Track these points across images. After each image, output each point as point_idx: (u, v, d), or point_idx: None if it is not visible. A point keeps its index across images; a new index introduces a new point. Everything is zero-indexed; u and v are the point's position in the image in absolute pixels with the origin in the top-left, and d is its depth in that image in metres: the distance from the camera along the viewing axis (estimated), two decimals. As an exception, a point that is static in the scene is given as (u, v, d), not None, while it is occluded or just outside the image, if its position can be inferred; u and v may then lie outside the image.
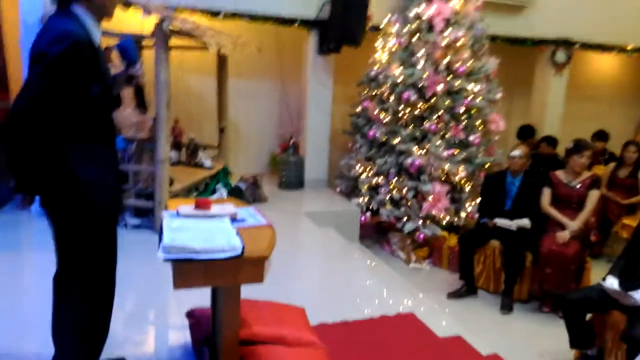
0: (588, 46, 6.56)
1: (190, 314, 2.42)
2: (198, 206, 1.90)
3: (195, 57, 5.62)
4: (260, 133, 6.44)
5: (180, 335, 2.62)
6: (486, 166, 5.13)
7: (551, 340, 3.46)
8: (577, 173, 4.05)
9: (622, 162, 5.24)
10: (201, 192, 4.92)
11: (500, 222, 4.14)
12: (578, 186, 4.02)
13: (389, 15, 5.26)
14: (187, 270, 1.54)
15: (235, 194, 5.08)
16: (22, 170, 1.73)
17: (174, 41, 4.11)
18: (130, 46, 2.04)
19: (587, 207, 3.98)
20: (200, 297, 2.31)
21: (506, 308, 3.97)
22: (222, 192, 5.01)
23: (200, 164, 5.24)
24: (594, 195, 4.00)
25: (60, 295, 1.91)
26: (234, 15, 5.17)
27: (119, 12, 2.26)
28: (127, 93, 4.03)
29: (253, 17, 5.26)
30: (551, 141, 5.85)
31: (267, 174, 6.18)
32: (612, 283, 3.01)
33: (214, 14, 5.08)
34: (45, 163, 1.73)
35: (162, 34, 3.70)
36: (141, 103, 2.07)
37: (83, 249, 1.86)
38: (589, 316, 3.17)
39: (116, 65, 2.01)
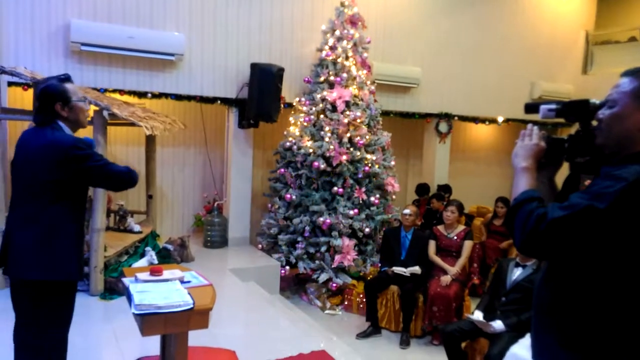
0: (465, 118, 7.79)
1: (140, 363, 2.88)
2: (153, 272, 2.44)
3: (125, 129, 6.08)
4: (185, 197, 6.81)
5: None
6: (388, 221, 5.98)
7: (439, 367, 4.18)
8: (453, 226, 5.00)
9: (495, 214, 6.36)
10: (131, 256, 5.26)
11: (397, 269, 4.92)
12: (455, 238, 4.96)
13: (299, 97, 6.06)
14: (152, 321, 2.06)
15: (164, 255, 5.43)
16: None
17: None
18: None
19: (463, 254, 4.90)
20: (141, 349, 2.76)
21: (405, 343, 4.68)
22: (151, 254, 5.30)
23: (130, 229, 5.53)
24: (468, 245, 4.94)
25: (25, 351, 2.32)
26: (160, 95, 5.70)
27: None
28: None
29: (178, 97, 5.80)
30: (440, 197, 6.89)
31: (193, 235, 6.52)
32: (478, 315, 3.86)
33: (142, 94, 5.58)
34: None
35: (101, 120, 4.18)
36: None
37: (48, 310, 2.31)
38: (464, 344, 3.97)
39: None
